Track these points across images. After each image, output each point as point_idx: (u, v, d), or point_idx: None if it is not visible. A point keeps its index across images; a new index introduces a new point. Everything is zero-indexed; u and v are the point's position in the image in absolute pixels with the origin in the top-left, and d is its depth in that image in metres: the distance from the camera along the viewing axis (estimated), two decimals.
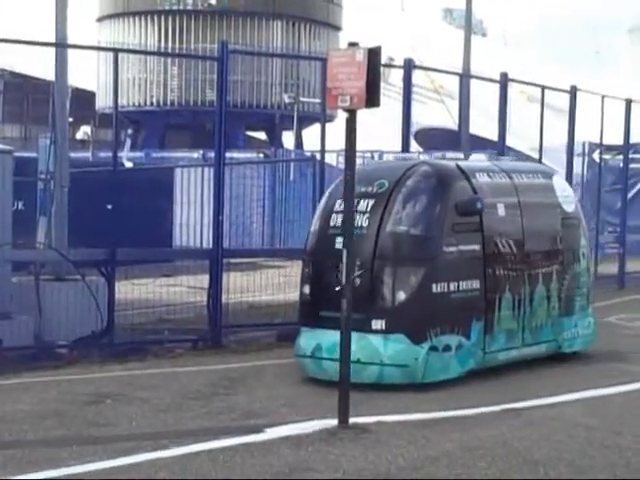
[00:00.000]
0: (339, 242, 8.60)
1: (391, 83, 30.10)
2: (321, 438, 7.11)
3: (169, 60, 35.19)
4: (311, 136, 33.16)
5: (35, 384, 9.20)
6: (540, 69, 42.08)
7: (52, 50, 11.40)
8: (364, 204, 9.13)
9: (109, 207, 10.93)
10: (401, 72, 13.79)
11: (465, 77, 15.09)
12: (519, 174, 10.22)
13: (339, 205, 8.98)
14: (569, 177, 15.86)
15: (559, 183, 10.78)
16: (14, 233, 10.91)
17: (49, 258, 11.03)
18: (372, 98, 7.11)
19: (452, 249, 9.16)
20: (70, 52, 11.46)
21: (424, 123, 34.44)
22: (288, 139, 36.57)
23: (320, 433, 7.22)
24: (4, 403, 8.45)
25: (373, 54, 7.09)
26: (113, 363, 10.16)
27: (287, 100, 33.89)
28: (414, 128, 14.61)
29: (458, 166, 9.66)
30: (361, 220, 9.04)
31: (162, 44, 34.93)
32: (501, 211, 9.75)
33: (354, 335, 8.22)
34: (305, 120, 33.88)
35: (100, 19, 37.75)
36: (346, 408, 7.36)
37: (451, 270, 9.15)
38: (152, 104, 36.00)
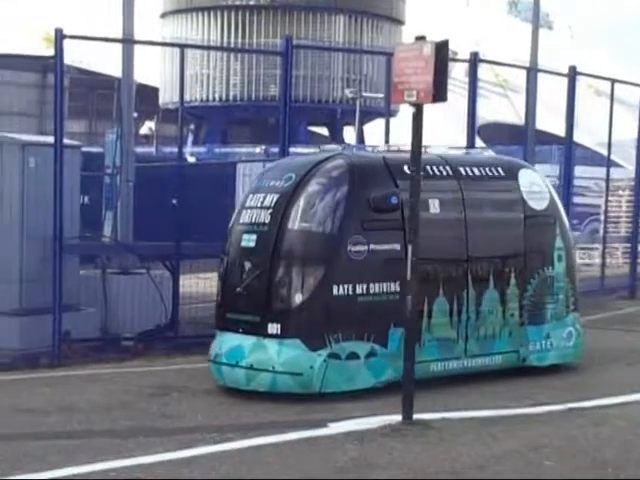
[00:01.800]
0: (246, 239, 8.48)
1: (453, 77, 29.97)
2: (385, 434, 7.11)
3: (231, 56, 35.36)
4: (372, 131, 33.13)
5: (101, 375, 9.36)
6: (608, 65, 41.56)
7: (118, 46, 11.54)
8: (269, 199, 8.53)
9: (174, 202, 11.05)
10: (463, 66, 13.72)
11: (532, 71, 14.95)
12: (469, 168, 9.22)
13: (250, 200, 8.67)
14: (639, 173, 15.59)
15: (527, 178, 9.57)
16: (81, 227, 11.08)
17: (115, 252, 11.19)
18: (439, 93, 7.09)
19: (360, 248, 8.34)
20: (135, 48, 11.59)
21: (488, 118, 34.21)
22: (349, 134, 36.55)
23: (384, 429, 7.23)
24: (72, 394, 8.62)
25: (440, 48, 7.06)
26: (177, 356, 10.30)
27: (349, 95, 33.88)
28: (478, 123, 14.48)
29: (384, 159, 8.85)
30: (264, 216, 8.48)
31: (225, 39, 35.12)
32: (434, 207, 8.80)
33: (250, 339, 8.31)
34: (367, 115, 33.82)
35: (164, 15, 38.08)
36: (410, 404, 7.36)
37: (358, 271, 8.32)
38: (214, 99, 36.23)
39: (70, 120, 10.33)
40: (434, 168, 8.96)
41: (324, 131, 39.22)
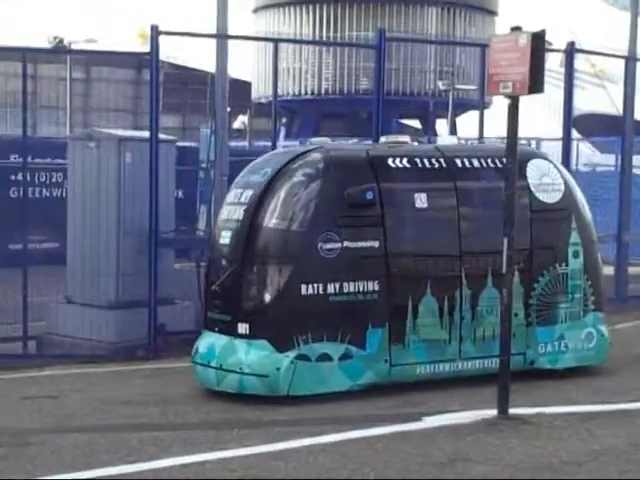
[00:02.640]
0: (223, 236, 8.33)
1: (548, 68, 29.49)
2: (480, 428, 7.06)
3: (323, 49, 35.44)
4: (464, 124, 32.84)
5: None
6: None
7: (212, 41, 11.66)
8: (245, 195, 8.30)
9: None
10: (557, 56, 13.49)
11: (631, 60, 14.62)
12: (467, 159, 8.76)
13: (230, 196, 8.52)
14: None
15: (537, 170, 8.98)
16: (175, 221, 11.24)
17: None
18: (536, 84, 6.99)
19: (333, 246, 8.01)
20: (228, 43, 11.69)
21: (584, 109, 33.61)
22: (442, 127, 36.30)
23: (479, 423, 7.17)
24: (167, 386, 8.76)
25: (537, 38, 6.96)
26: None
27: (442, 87, 33.63)
28: (574, 114, 14.23)
29: (367, 153, 8.54)
30: (238, 213, 8.26)
31: (317, 33, 35.22)
32: (421, 202, 8.41)
33: (223, 339, 8.16)
34: (460, 107, 33.54)
35: (256, 10, 38.34)
36: (506, 398, 7.29)
37: (330, 270, 7.99)
38: (307, 93, 36.35)
39: (164, 115, 10.48)
40: (425, 160, 8.59)
41: (416, 124, 39.04)
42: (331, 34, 35.22)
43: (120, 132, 11.66)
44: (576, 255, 9.00)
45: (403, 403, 7.92)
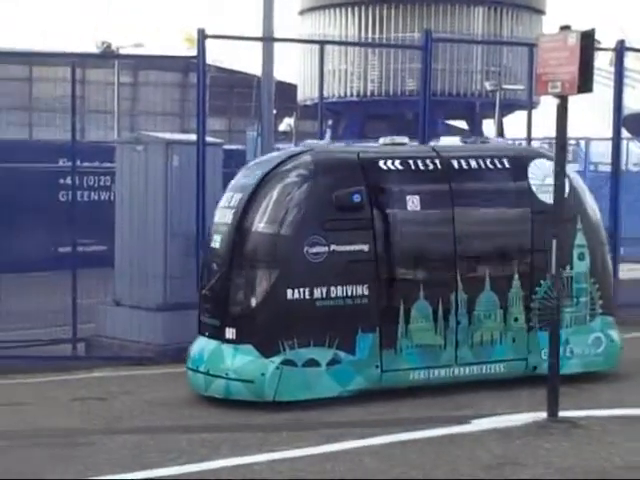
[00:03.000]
0: (214, 240, 8.32)
1: (598, 67, 29.25)
2: (530, 431, 7.01)
3: (369, 51, 35.42)
4: (511, 124, 32.64)
5: None
6: None
7: (258, 44, 11.70)
8: (235, 198, 8.23)
9: None
10: (606, 55, 13.35)
11: None
12: (464, 160, 8.54)
13: (223, 199, 8.47)
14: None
15: (540, 170, 8.69)
16: None
17: None
18: (585, 83, 6.92)
19: (320, 250, 7.87)
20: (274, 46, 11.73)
21: (634, 108, 33.25)
22: (488, 127, 36.10)
23: (528, 426, 7.12)
24: None
25: (586, 37, 6.90)
26: None
27: (489, 87, 33.45)
28: (624, 113, 14.07)
29: (358, 155, 8.41)
30: (228, 216, 8.19)
31: (362, 35, 35.22)
32: (413, 204, 8.23)
33: (212, 344, 8.10)
34: (506, 108, 33.35)
35: (302, 12, 38.44)
36: (555, 400, 7.23)
37: (317, 274, 7.86)
38: (352, 95, 36.36)
39: (211, 118, 10.54)
40: (419, 162, 8.40)
41: (463, 124, 38.87)
42: (377, 35, 35.19)
43: (167, 135, 11.72)
44: (581, 258, 8.74)
45: (452, 406, 7.88)
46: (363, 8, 35.86)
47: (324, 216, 7.94)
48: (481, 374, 8.35)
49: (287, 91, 36.53)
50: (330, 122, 37.41)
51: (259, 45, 11.73)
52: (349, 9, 36.22)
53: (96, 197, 17.15)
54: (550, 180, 8.30)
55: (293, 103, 36.74)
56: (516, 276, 8.44)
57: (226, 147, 14.35)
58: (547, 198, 8.43)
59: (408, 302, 8.11)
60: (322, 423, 7.42)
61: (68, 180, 13.98)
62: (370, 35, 35.21)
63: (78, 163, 12.26)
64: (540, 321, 8.44)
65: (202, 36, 10.28)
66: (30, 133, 30.75)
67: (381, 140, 8.96)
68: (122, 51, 30.80)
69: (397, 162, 8.33)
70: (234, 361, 7.90)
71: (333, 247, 7.91)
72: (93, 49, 30.13)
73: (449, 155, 8.62)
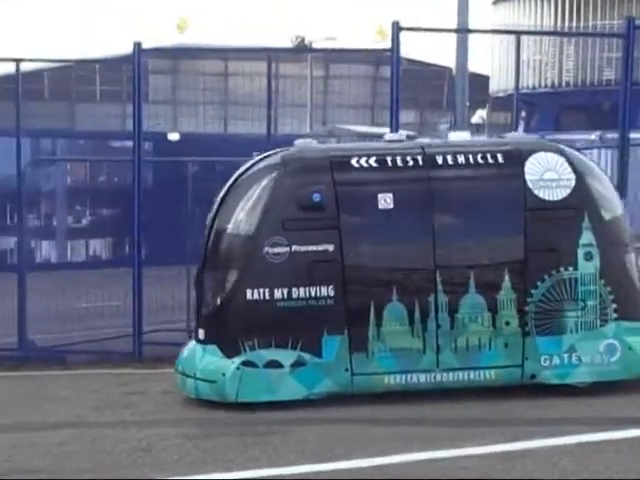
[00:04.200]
0: (201, 243, 8.29)
1: None
2: None
3: (564, 40, 34.60)
4: None
5: None
6: None
7: (450, 36, 11.64)
8: (218, 198, 8.27)
9: None
10: None
11: None
12: (450, 156, 8.15)
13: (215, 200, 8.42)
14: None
15: (540, 164, 8.20)
16: None
17: None
18: None
19: (280, 250, 7.77)
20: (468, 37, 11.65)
21: None
22: None
23: None
24: None
25: None
26: None
27: None
28: None
29: (330, 154, 8.27)
30: (210, 217, 8.24)
31: (558, 23, 34.46)
32: (386, 202, 7.91)
33: (191, 344, 8.13)
34: None
35: (495, 2, 37.96)
36: None
37: (278, 274, 7.76)
38: (547, 85, 35.64)
39: (402, 110, 10.53)
40: (397, 159, 8.09)
41: None
42: (573, 24, 34.34)
43: (359, 128, 11.80)
44: (589, 258, 8.07)
45: None
46: None
47: (285, 216, 7.85)
48: (467, 380, 7.93)
49: (479, 82, 36.19)
50: (523, 114, 36.83)
51: (451, 37, 11.66)
52: None
53: None
54: (551, 175, 8.08)
55: (485, 95, 36.37)
56: (506, 277, 7.96)
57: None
58: (545, 194, 8.08)
59: (379, 304, 7.82)
60: (511, 420, 7.32)
61: None
62: (567, 24, 34.38)
63: None
64: (538, 325, 7.96)
65: (396, 28, 10.31)
66: (225, 127, 31.65)
67: (386, 136, 8.83)
68: (315, 45, 31.26)
69: (372, 160, 8.08)
70: (201, 361, 8.01)
71: (295, 247, 7.79)
72: (287, 43, 30.69)
73: (435, 151, 8.26)
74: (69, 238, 20.69)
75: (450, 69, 11.80)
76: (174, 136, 18.59)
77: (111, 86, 32.07)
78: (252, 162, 8.35)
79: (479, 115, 36.04)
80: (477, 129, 32.74)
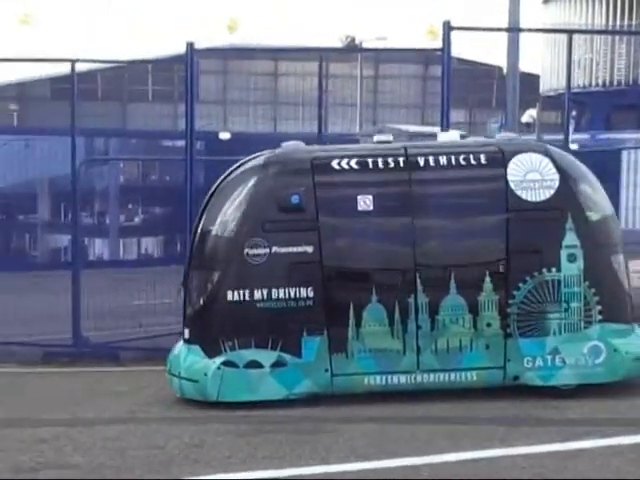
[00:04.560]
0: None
1: None
2: None
3: (616, 39, 34.27)
4: None
5: None
6: None
7: (501, 35, 11.58)
8: (204, 200, 8.40)
9: None
10: None
11: None
12: (432, 157, 8.10)
13: None
14: None
15: (523, 165, 8.10)
16: None
17: None
18: None
19: (260, 251, 7.81)
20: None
21: None
22: None
23: None
24: None
25: None
26: None
27: None
28: None
29: (313, 155, 8.21)
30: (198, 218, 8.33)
31: (610, 22, 34.15)
32: (365, 204, 7.90)
33: (179, 344, 8.17)
34: None
35: (546, 1, 37.73)
36: None
37: (257, 276, 7.80)
38: (597, 85, 35.34)
39: (452, 110, 10.51)
40: (379, 160, 8.06)
41: None
42: (625, 23, 34.01)
43: (410, 127, 11.79)
44: (572, 259, 7.96)
45: None
46: None
47: (265, 218, 7.89)
48: (448, 382, 7.89)
49: (529, 82, 35.99)
50: (574, 113, 36.56)
51: (502, 36, 11.60)
52: None
53: None
54: (534, 175, 7.99)
55: (535, 94, 36.16)
56: (487, 279, 7.87)
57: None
58: (527, 195, 7.99)
59: (359, 305, 7.81)
60: (561, 420, 7.27)
61: None
62: (618, 22, 34.06)
63: None
64: (520, 327, 7.89)
65: (447, 28, 10.29)
66: (275, 126, 31.78)
67: (375, 138, 8.76)
68: (365, 45, 31.24)
69: (353, 162, 8.06)
70: (185, 361, 8.08)
71: (274, 249, 7.82)
72: (337, 43, 30.72)
73: (417, 152, 8.20)
74: (122, 236, 20.92)
75: (500, 68, 11.77)
76: (225, 135, 18.70)
77: (163, 86, 32.34)
78: (238, 164, 8.38)
79: (529, 114, 35.81)
80: (527, 128, 32.55)
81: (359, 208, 7.92)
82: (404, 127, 11.89)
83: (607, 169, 20.68)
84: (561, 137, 11.33)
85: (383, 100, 37.04)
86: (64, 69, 11.39)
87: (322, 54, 11.94)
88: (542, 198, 8.01)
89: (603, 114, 36.13)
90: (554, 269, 7.89)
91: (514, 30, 11.24)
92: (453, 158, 8.10)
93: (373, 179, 8.07)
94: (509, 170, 8.06)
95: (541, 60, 35.63)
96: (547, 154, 8.18)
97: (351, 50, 28.84)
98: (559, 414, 7.46)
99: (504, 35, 11.78)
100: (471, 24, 11.73)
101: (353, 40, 31.91)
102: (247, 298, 7.81)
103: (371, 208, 7.93)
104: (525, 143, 8.88)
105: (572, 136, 29.35)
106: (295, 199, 7.89)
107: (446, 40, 10.30)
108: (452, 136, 8.73)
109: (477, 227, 8.04)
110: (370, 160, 8.08)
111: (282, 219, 7.87)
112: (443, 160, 8.10)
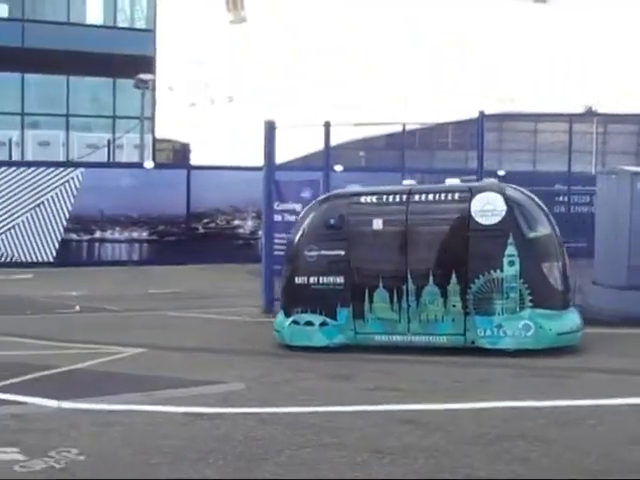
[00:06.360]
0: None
1: None
2: None
3: None
4: None
5: None
6: None
7: None
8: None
9: None
10: None
11: None
12: (424, 195, 8.63)
13: None
14: None
15: (483, 200, 8.32)
16: None
17: None
18: None
19: (313, 253, 8.72)
20: None
21: None
22: None
23: None
24: None
25: None
26: None
27: None
28: None
29: (353, 191, 8.95)
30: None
31: None
32: (377, 224, 8.58)
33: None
34: None
35: None
36: None
37: (312, 268, 8.76)
38: None
39: None
40: (390, 197, 8.65)
41: None
42: None
43: (632, 168, 11.23)
44: (511, 264, 8.32)
45: None
46: None
47: (317, 231, 9.05)
48: (429, 342, 8.66)
49: None
50: None
51: None
52: None
53: (581, 210, 16.71)
54: (488, 207, 8.46)
55: None
56: (454, 275, 8.45)
57: None
58: (483, 220, 8.43)
59: (371, 289, 8.79)
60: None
61: (561, 198, 13.89)
62: None
63: (571, 187, 12.21)
64: (476, 308, 8.43)
65: None
66: (534, 166, 31.13)
67: (404, 182, 9.48)
68: (599, 110, 29.49)
69: (374, 197, 9.05)
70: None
71: (322, 252, 8.87)
72: (578, 109, 29.21)
73: (416, 190, 8.96)
74: None
75: None
76: (501, 172, 18.54)
77: (457, 139, 32.40)
78: (317, 199, 9.89)
79: None
80: None
81: (374, 227, 8.93)
82: (627, 167, 11.20)
83: None
84: None
85: (609, 149, 34.75)
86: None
87: (570, 118, 11.66)
88: (493, 222, 8.56)
89: None
90: (499, 270, 8.47)
91: None
92: (437, 195, 8.92)
93: (384, 209, 9.07)
94: (472, 203, 8.69)
95: None
96: (500, 192, 8.77)
97: (590, 115, 27.56)
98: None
99: None
100: None
101: (590, 108, 30.51)
102: (306, 282, 8.95)
103: (381, 227, 8.91)
104: (490, 184, 9.23)
105: None
106: (332, 221, 8.98)
107: None
108: (454, 181, 9.25)
109: (449, 241, 8.83)
110: (384, 196, 9.11)
111: (326, 233, 9.04)
112: (430, 197, 8.94)
